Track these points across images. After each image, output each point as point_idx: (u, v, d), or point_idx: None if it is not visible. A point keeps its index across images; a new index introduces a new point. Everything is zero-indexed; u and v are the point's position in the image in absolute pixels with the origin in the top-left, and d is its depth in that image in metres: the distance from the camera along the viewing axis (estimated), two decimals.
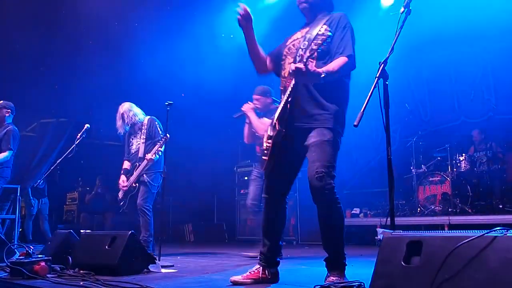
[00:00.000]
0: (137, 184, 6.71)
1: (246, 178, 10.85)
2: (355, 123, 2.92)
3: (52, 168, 7.22)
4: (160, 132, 6.77)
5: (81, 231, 5.23)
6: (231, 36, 10.52)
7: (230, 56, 10.42)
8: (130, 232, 4.57)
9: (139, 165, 6.68)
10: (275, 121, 3.76)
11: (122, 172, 6.82)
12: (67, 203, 13.23)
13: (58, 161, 7.10)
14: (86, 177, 13.33)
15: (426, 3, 8.46)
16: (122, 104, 7.01)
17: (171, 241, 10.99)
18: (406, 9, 3.42)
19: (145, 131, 6.84)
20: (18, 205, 9.02)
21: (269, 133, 3.86)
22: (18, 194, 9.04)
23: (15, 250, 5.24)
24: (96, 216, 12.44)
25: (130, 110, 6.90)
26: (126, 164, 6.91)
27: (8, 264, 4.25)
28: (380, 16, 9.89)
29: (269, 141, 3.82)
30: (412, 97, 10.29)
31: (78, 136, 7.11)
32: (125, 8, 9.56)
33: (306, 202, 9.57)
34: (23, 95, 10.07)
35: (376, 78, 3.05)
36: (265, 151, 3.86)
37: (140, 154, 6.73)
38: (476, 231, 2.26)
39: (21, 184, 9.68)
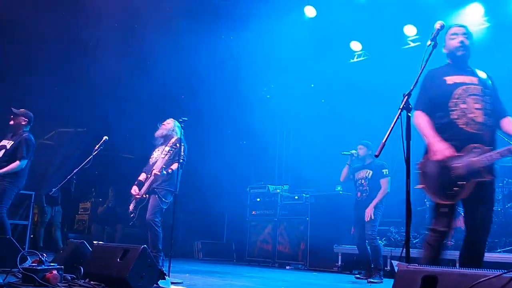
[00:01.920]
0: (147, 196, 6.73)
1: (258, 199, 10.86)
2: (376, 154, 2.94)
3: (68, 177, 7.21)
4: (183, 154, 6.73)
5: (94, 242, 5.24)
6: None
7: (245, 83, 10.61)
8: (142, 246, 4.58)
9: (150, 176, 6.72)
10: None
11: (136, 182, 6.86)
12: (79, 212, 13.30)
13: (74, 171, 7.12)
14: (100, 188, 13.41)
15: None
16: (169, 119, 7.17)
17: (180, 257, 10.99)
18: (433, 42, 3.44)
19: (168, 148, 6.85)
20: (31, 211, 9.09)
21: None
22: (32, 201, 9.11)
23: (27, 256, 5.28)
24: (106, 228, 12.48)
25: (170, 122, 7.08)
26: (142, 176, 6.96)
27: (21, 270, 4.28)
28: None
29: None
30: None
31: (96, 148, 7.14)
32: (145, 20, 9.70)
33: (316, 228, 9.54)
34: (43, 104, 10.20)
35: (400, 110, 3.07)
36: None
37: (155, 167, 6.76)
38: (492, 270, 2.25)
39: (36, 191, 9.74)
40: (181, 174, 6.76)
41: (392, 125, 3.01)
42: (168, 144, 6.89)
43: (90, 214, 13.14)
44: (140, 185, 6.87)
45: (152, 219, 6.55)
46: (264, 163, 12.47)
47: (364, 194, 7.49)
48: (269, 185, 10.97)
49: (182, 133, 6.53)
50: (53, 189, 10.53)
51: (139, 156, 13.78)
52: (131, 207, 6.82)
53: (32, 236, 10.29)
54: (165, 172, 6.60)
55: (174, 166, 6.61)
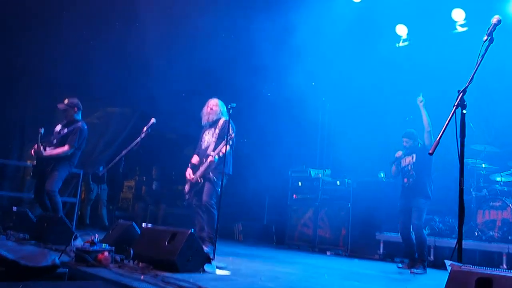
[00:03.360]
0: (201, 180, 7.00)
1: (300, 183, 10.86)
2: (430, 151, 2.91)
3: (117, 158, 7.40)
4: (232, 135, 6.91)
5: (143, 224, 5.37)
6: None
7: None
8: (190, 230, 4.66)
9: (205, 161, 6.98)
10: None
11: (189, 165, 7.03)
12: (123, 190, 13.59)
13: (123, 153, 7.28)
14: (144, 166, 13.65)
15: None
16: (213, 99, 7.41)
17: (220, 238, 11.10)
18: (489, 37, 3.37)
19: (218, 131, 7.16)
20: (79, 190, 9.34)
21: None
22: (81, 179, 9.36)
23: (78, 236, 5.44)
24: (150, 206, 12.73)
25: (216, 105, 7.33)
26: (195, 159, 7.23)
27: (74, 250, 4.42)
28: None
29: None
30: (476, 117, 10.02)
31: (144, 130, 7.28)
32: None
33: (358, 214, 9.49)
34: (89, 83, 10.41)
35: (454, 107, 3.02)
36: None
37: (209, 151, 7.05)
38: None
39: (83, 169, 10.01)
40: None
41: (446, 123, 2.98)
42: (217, 127, 7.17)
43: (134, 193, 13.43)
44: (194, 168, 7.11)
45: (209, 201, 6.93)
46: (306, 146, 12.43)
47: (411, 180, 7.31)
48: (311, 169, 10.95)
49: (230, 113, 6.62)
50: (101, 168, 10.85)
51: (181, 135, 13.99)
52: (186, 187, 6.98)
53: (79, 213, 10.59)
54: (217, 157, 6.86)
55: (226, 149, 6.73)
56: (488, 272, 2.45)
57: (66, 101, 7.48)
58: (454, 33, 9.96)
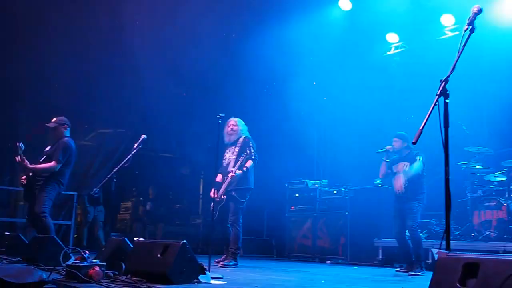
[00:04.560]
0: (225, 196, 7.37)
1: (297, 195, 10.84)
2: (414, 141, 2.90)
3: (108, 176, 7.38)
4: (253, 151, 7.40)
5: (135, 238, 5.32)
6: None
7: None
8: (182, 241, 4.62)
9: (227, 178, 7.30)
10: None
11: (213, 185, 7.28)
12: (121, 212, 13.55)
13: (114, 170, 7.26)
14: (140, 187, 13.61)
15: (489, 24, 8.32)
16: (232, 118, 7.74)
17: (220, 254, 11.03)
18: (470, 26, 3.37)
19: (237, 148, 7.51)
20: (74, 211, 9.29)
21: None
22: (75, 201, 9.32)
23: (70, 255, 5.39)
24: (148, 226, 12.68)
25: (236, 125, 7.70)
26: (219, 178, 7.48)
27: (64, 267, 4.37)
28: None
29: None
30: (470, 118, 10.02)
31: (135, 146, 7.26)
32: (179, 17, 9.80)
33: (356, 222, 9.46)
34: (82, 106, 10.41)
35: (437, 96, 3.02)
36: None
37: (229, 169, 7.36)
38: None
39: (78, 191, 9.97)
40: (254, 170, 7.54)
41: (429, 112, 2.97)
42: (238, 145, 7.55)
43: (131, 213, 13.38)
44: (218, 186, 7.38)
45: (235, 220, 7.40)
46: (302, 158, 12.40)
47: (403, 187, 7.24)
48: (307, 181, 10.93)
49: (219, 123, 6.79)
50: (95, 189, 10.80)
51: (178, 155, 13.98)
52: (212, 206, 7.16)
53: (75, 236, 10.54)
54: (239, 172, 7.22)
55: (249, 164, 7.32)
56: (475, 256, 2.42)
57: (54, 119, 7.47)
58: (445, 39, 10.04)
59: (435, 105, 3.00)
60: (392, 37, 10.70)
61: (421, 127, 2.93)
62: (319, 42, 10.62)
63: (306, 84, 11.22)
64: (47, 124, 7.46)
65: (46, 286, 3.46)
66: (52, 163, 7.14)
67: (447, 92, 3.06)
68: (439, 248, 2.58)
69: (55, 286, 3.62)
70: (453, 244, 7.50)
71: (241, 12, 10.25)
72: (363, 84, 10.77)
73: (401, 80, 10.33)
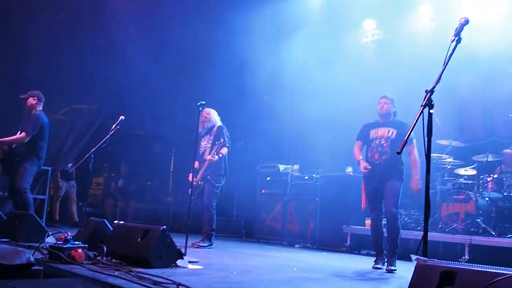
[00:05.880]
0: (202, 182, 7.75)
1: (268, 178, 10.97)
2: (398, 150, 3.03)
3: (86, 156, 7.46)
4: (227, 139, 7.77)
5: (115, 221, 5.40)
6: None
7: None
8: (162, 227, 4.72)
9: (203, 165, 7.69)
10: None
11: (191, 170, 7.40)
12: (92, 187, 13.51)
13: (92, 150, 7.33)
14: (112, 163, 13.58)
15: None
16: (206, 108, 7.95)
17: (191, 232, 11.12)
18: (457, 37, 3.48)
19: (212, 137, 7.88)
20: (48, 186, 9.28)
21: None
22: (49, 176, 9.29)
23: (49, 232, 5.43)
24: (119, 203, 12.69)
25: (209, 114, 8.04)
26: (196, 164, 7.63)
27: (48, 247, 4.44)
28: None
29: None
30: (443, 112, 10.21)
31: (113, 127, 7.35)
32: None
33: (326, 208, 9.64)
34: (56, 80, 10.30)
35: (422, 107, 3.13)
36: None
37: (205, 156, 7.73)
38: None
39: (52, 166, 9.93)
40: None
41: (414, 122, 3.10)
42: (212, 133, 7.92)
43: (103, 189, 13.37)
44: (196, 172, 7.62)
45: (209, 203, 7.75)
46: (274, 142, 12.50)
47: (383, 157, 6.19)
48: (279, 164, 11.06)
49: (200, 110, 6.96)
50: (69, 165, 10.78)
51: (151, 132, 13.94)
52: (190, 191, 7.31)
53: (48, 210, 10.51)
54: (216, 157, 7.58)
55: (224, 150, 7.69)
56: (452, 265, 2.55)
57: (28, 93, 7.54)
58: (423, 28, 10.20)
59: (420, 115, 3.12)
60: (369, 24, 10.91)
61: (405, 137, 3.06)
62: (297, 26, 10.72)
63: (280, 69, 11.24)
64: (20, 96, 7.53)
65: (33, 268, 3.51)
66: (22, 135, 7.21)
67: (432, 102, 3.18)
68: (416, 254, 2.73)
69: (42, 267, 3.69)
70: (421, 234, 7.71)
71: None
72: (338, 70, 10.86)
73: (376, 67, 10.48)
